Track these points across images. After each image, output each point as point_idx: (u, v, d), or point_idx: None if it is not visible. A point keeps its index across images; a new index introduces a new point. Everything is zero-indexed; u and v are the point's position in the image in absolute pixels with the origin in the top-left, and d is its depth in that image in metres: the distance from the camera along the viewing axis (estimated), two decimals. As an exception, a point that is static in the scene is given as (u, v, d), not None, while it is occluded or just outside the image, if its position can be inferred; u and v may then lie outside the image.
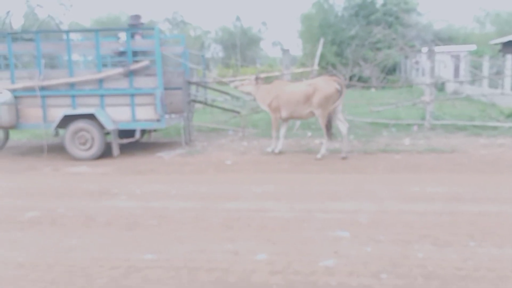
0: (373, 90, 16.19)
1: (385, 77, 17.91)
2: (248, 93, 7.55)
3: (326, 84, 6.74)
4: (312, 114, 6.92)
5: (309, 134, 8.48)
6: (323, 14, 24.35)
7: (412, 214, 4.09)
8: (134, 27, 8.18)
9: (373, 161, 6.48)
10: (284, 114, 7.05)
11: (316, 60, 10.34)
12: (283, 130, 7.24)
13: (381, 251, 3.32)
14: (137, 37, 8.01)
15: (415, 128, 8.89)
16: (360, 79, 17.63)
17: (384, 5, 23.82)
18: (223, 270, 3.09)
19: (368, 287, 2.80)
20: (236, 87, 7.65)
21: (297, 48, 25.77)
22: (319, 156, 6.75)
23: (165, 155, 7.30)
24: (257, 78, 7.33)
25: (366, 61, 18.98)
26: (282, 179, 5.63)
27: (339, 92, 6.73)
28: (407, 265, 3.07)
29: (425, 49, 11.71)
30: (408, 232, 3.65)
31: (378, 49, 18.99)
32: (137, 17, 8.42)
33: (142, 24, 8.60)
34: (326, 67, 16.13)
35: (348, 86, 15.92)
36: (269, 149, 7.23)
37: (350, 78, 17.08)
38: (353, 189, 5.00)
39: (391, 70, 18.46)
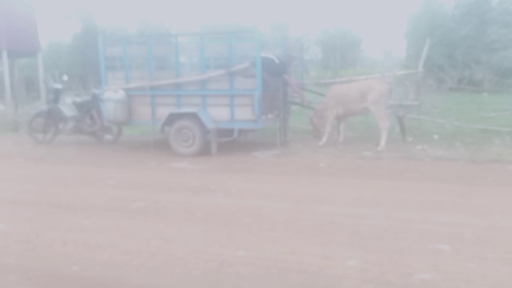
0: (485, 94, 14.92)
1: (500, 80, 16.40)
2: (324, 110, 8.03)
3: (379, 84, 7.60)
4: (366, 110, 7.58)
5: (410, 139, 8.06)
6: (431, 13, 22.95)
7: (526, 232, 3.70)
8: (284, 65, 8.20)
9: (482, 171, 5.97)
10: (340, 111, 7.80)
11: (421, 62, 9.82)
12: (342, 126, 8.07)
13: (486, 269, 3.05)
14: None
15: (533, 137, 8.01)
16: (470, 82, 16.27)
17: (501, 3, 21.78)
18: (314, 273, 3.07)
19: (470, 308, 2.60)
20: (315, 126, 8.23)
21: (400, 50, 24.56)
22: (379, 148, 7.27)
23: (260, 155, 7.44)
24: (312, 117, 8.21)
25: (478, 63, 17.57)
26: (379, 185, 5.42)
27: (390, 92, 7.52)
28: (517, 288, 2.79)
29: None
30: (520, 252, 3.31)
31: (493, 50, 17.43)
32: (291, 57, 8.50)
33: (293, 66, 8.86)
34: (432, 69, 15.17)
35: (456, 90, 14.90)
36: (320, 144, 7.85)
37: (459, 81, 15.87)
38: (458, 201, 4.65)
39: (507, 73, 16.80)
